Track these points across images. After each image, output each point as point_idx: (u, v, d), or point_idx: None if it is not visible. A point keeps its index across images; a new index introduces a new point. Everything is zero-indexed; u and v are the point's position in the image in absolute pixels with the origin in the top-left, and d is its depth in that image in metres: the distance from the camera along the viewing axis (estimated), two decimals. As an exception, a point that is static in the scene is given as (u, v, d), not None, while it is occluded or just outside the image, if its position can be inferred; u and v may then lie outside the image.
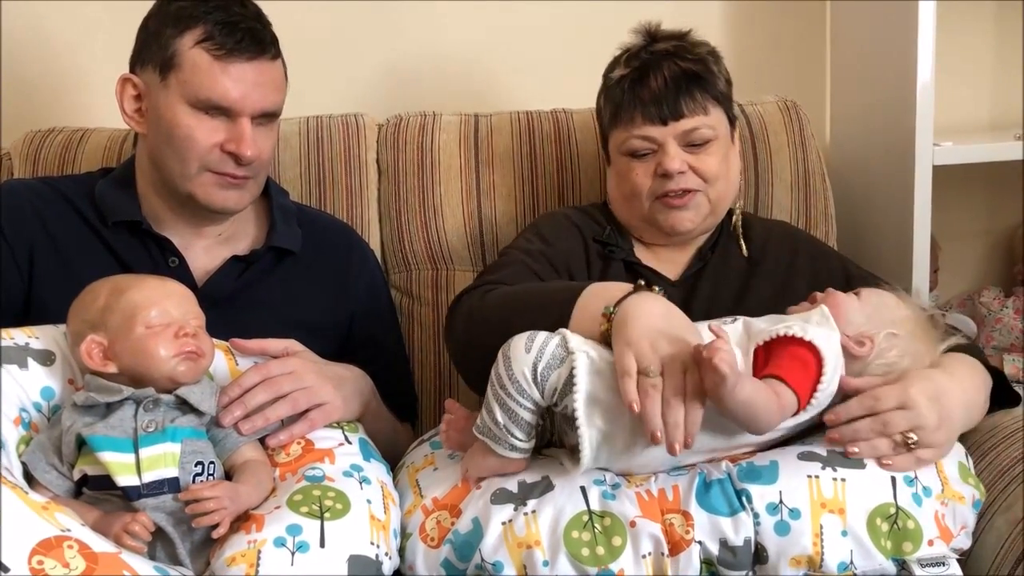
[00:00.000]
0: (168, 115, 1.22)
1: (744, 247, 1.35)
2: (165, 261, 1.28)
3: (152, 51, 1.23)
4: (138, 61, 1.27)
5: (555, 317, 1.06)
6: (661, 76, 1.27)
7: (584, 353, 0.99)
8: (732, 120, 1.35)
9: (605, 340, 1.02)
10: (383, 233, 1.60)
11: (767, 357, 1.03)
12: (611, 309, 1.01)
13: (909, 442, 1.03)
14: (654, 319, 0.99)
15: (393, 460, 1.18)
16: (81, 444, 0.98)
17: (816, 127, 1.71)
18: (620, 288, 1.06)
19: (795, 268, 1.32)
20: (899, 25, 1.63)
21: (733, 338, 1.04)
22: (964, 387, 1.11)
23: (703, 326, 1.02)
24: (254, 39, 1.23)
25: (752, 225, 1.39)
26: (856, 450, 1.03)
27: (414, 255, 1.59)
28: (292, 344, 1.19)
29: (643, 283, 1.05)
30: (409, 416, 1.46)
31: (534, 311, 1.08)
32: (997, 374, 1.20)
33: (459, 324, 1.16)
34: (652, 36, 1.33)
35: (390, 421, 1.34)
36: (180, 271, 1.27)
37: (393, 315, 1.52)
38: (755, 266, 1.33)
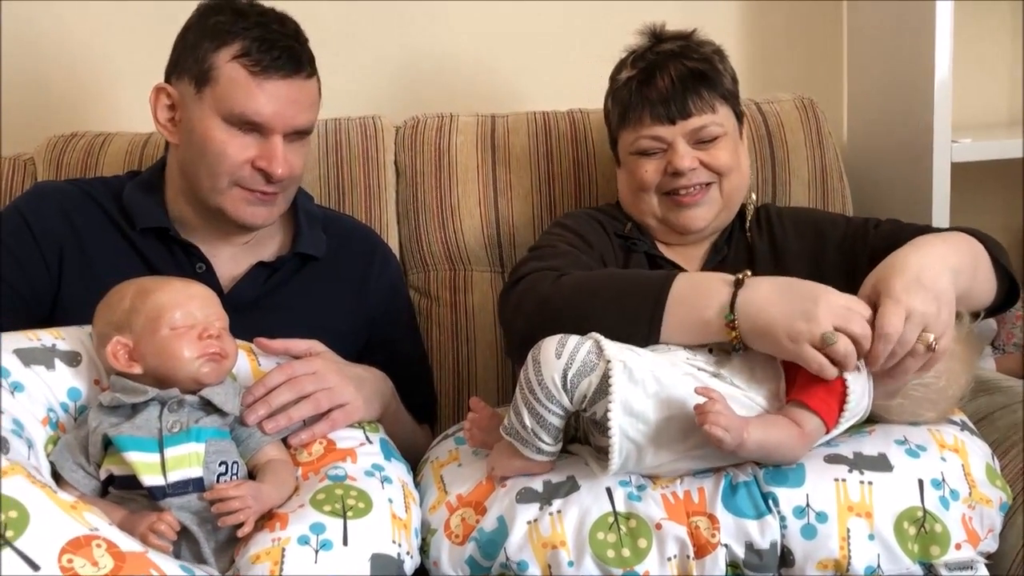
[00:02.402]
0: (201, 128, 1.23)
1: (763, 238, 1.35)
2: (192, 267, 1.29)
3: (189, 63, 1.24)
4: (174, 72, 1.27)
5: (645, 307, 1.05)
6: (668, 76, 1.27)
7: (620, 362, 0.98)
8: (739, 116, 1.35)
9: (730, 348, 1.04)
10: (401, 234, 1.61)
11: (796, 370, 1.02)
12: (730, 316, 1.02)
13: (931, 346, 1.01)
14: (778, 297, 1.01)
15: (412, 461, 1.18)
16: (107, 444, 0.99)
17: (833, 124, 1.71)
18: (713, 279, 1.06)
19: (825, 255, 1.30)
20: (916, 21, 1.63)
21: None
22: (936, 254, 1.07)
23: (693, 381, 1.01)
24: (291, 57, 1.24)
25: (772, 215, 1.38)
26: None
27: (432, 256, 1.60)
28: (315, 344, 1.20)
29: (742, 275, 1.04)
30: (428, 417, 1.46)
31: (620, 299, 1.07)
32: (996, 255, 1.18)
33: (528, 308, 1.12)
34: (657, 37, 1.34)
35: (409, 422, 1.35)
36: (207, 277, 1.28)
37: (412, 317, 1.53)
38: (781, 256, 1.33)
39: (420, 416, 1.40)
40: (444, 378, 1.55)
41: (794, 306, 0.99)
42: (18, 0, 1.76)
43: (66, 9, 1.77)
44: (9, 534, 0.80)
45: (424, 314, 1.58)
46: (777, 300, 1.01)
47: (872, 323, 1.00)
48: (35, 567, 0.79)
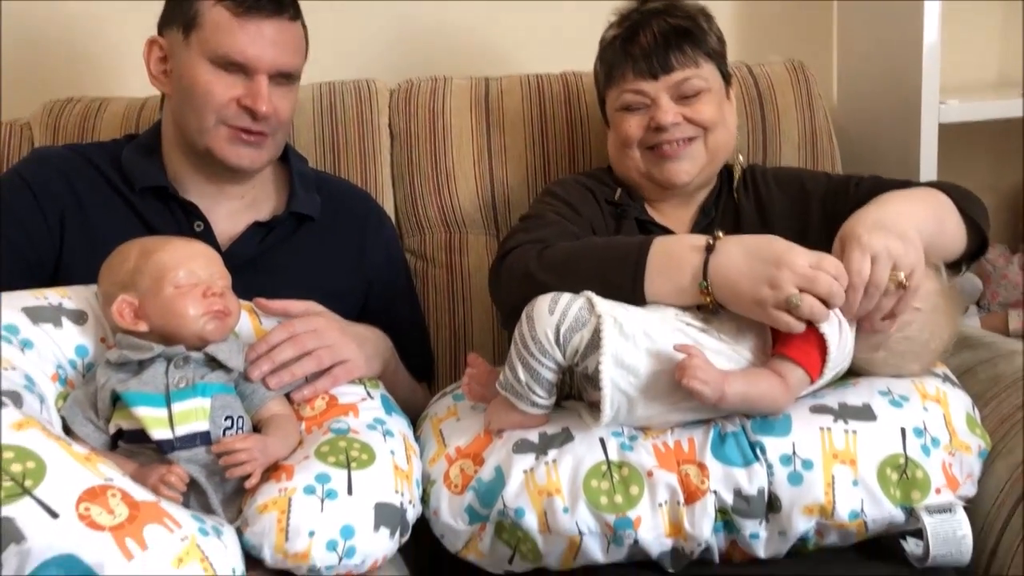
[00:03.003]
0: (189, 72, 1.26)
1: (749, 199, 1.37)
2: (190, 225, 1.31)
3: (177, 12, 1.27)
4: (164, 23, 1.31)
5: (626, 278, 1.08)
6: (651, 32, 1.29)
7: (611, 316, 1.01)
8: (726, 76, 1.36)
9: (709, 311, 1.07)
10: (396, 197, 1.63)
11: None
12: (704, 284, 1.04)
13: (902, 282, 1.04)
14: (745, 263, 1.03)
15: (411, 417, 1.21)
16: (115, 400, 1.02)
17: (823, 87, 1.72)
18: (684, 246, 1.08)
19: (809, 212, 1.33)
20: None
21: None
22: (897, 206, 1.12)
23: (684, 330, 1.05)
24: None
25: (758, 176, 1.40)
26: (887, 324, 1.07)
27: (427, 219, 1.62)
28: (312, 305, 1.23)
29: (712, 239, 1.06)
30: (426, 375, 1.49)
31: (601, 271, 1.10)
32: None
33: (514, 282, 1.16)
34: None
35: (408, 380, 1.38)
36: (205, 235, 1.30)
37: (409, 278, 1.55)
38: (767, 215, 1.35)
39: (418, 375, 1.43)
40: (441, 339, 1.57)
41: (757, 271, 1.02)
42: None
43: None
44: (28, 483, 0.83)
45: (420, 277, 1.61)
46: (743, 265, 1.03)
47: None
48: (54, 515, 0.82)
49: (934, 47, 1.60)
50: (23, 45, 1.79)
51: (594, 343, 1.01)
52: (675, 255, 1.08)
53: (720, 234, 1.07)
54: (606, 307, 1.03)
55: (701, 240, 1.07)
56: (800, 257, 1.02)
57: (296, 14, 1.30)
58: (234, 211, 1.35)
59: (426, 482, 1.09)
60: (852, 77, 1.88)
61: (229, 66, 1.25)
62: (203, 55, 1.25)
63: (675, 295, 1.07)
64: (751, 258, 1.03)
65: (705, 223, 1.36)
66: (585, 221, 1.30)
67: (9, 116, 1.65)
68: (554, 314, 1.03)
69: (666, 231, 1.33)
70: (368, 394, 1.16)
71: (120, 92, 1.67)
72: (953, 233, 1.19)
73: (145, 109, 1.60)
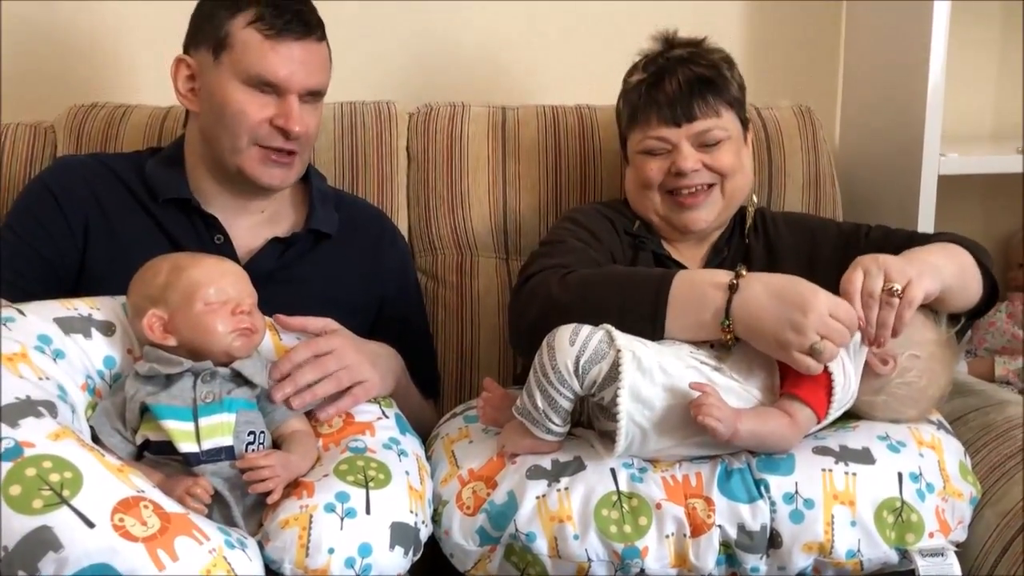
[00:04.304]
0: (220, 92, 1.29)
1: (759, 240, 1.42)
2: (211, 238, 1.34)
3: (206, 32, 1.30)
4: (192, 43, 1.33)
5: (647, 309, 1.12)
6: (676, 80, 1.34)
7: (630, 351, 1.05)
8: (744, 122, 1.41)
9: (724, 348, 1.11)
10: (411, 218, 1.66)
11: (787, 366, 1.10)
12: (726, 321, 1.09)
13: (894, 291, 1.09)
14: (770, 304, 1.07)
15: (420, 434, 1.24)
16: (144, 411, 1.04)
17: (826, 130, 1.77)
18: (708, 284, 1.11)
19: (818, 259, 1.37)
20: (911, 37, 1.68)
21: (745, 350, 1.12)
22: (922, 256, 1.17)
23: (699, 369, 1.09)
24: (301, 21, 1.31)
25: (768, 219, 1.45)
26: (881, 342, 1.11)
27: (440, 240, 1.66)
28: (330, 322, 1.26)
29: (736, 278, 1.10)
30: (432, 393, 1.52)
31: (623, 301, 1.13)
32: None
33: (535, 304, 1.19)
34: (669, 43, 1.40)
35: (418, 397, 1.41)
36: (224, 248, 1.33)
37: (419, 297, 1.59)
38: (776, 257, 1.40)
39: (425, 392, 1.46)
40: (448, 358, 1.61)
41: (782, 314, 1.06)
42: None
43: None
44: (66, 493, 0.86)
45: (431, 296, 1.64)
46: (768, 306, 1.07)
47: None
48: (91, 525, 0.85)
49: (937, 100, 1.65)
50: (49, 46, 1.81)
51: (612, 376, 1.05)
52: (698, 289, 1.12)
53: (744, 271, 1.11)
54: (625, 341, 1.07)
55: (725, 277, 1.11)
56: (823, 303, 1.06)
57: (323, 35, 1.35)
58: (254, 225, 1.39)
59: (438, 502, 1.12)
60: (855, 121, 1.94)
61: (261, 86, 1.29)
62: (235, 76, 1.29)
63: (694, 329, 1.11)
64: (776, 299, 1.07)
65: (717, 261, 1.40)
66: (605, 249, 1.34)
67: (32, 117, 1.66)
68: (575, 345, 1.06)
69: (680, 266, 1.38)
70: (383, 413, 1.20)
71: (143, 99, 1.70)
72: (974, 287, 1.24)
73: (168, 119, 1.62)
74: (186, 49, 1.34)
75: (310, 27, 1.32)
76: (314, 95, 1.34)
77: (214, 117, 1.31)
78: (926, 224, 1.70)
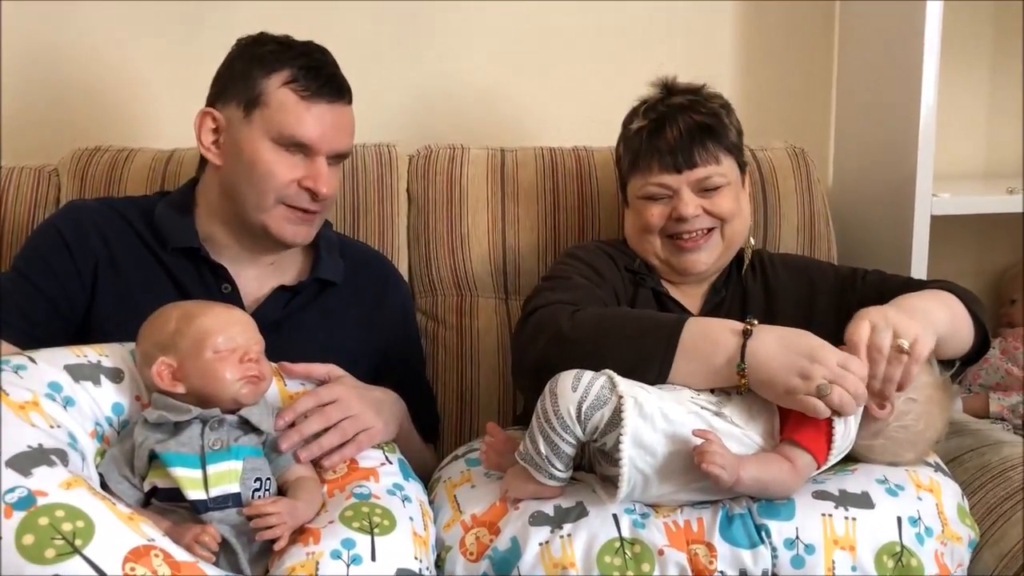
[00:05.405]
0: (250, 149, 1.30)
1: (757, 282, 1.44)
2: (218, 287, 1.35)
3: (238, 89, 1.32)
4: (220, 98, 1.34)
5: (657, 351, 1.14)
6: (676, 128, 1.37)
7: (632, 397, 1.07)
8: (743, 167, 1.45)
9: (733, 390, 1.13)
10: (411, 258, 1.68)
11: (787, 410, 1.12)
12: (742, 366, 1.11)
13: (903, 348, 1.11)
14: (780, 352, 1.10)
15: (421, 478, 1.25)
16: (152, 458, 1.06)
17: (820, 170, 1.80)
18: (721, 329, 1.14)
19: (815, 302, 1.40)
20: (903, 76, 1.71)
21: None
22: (913, 303, 1.20)
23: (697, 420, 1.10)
24: (335, 84, 1.33)
25: (765, 260, 1.48)
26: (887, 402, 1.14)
27: (440, 281, 1.68)
28: (334, 369, 1.27)
29: (749, 326, 1.13)
30: (432, 437, 1.54)
31: (634, 341, 1.15)
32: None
33: (542, 340, 1.20)
34: (669, 89, 1.43)
35: (418, 441, 1.42)
36: (232, 297, 1.34)
37: (419, 341, 1.60)
38: (773, 299, 1.42)
39: (424, 435, 1.47)
40: (448, 399, 1.62)
41: (792, 362, 1.09)
42: (48, 8, 1.80)
43: (93, 20, 1.82)
44: (78, 543, 0.87)
45: (431, 336, 1.66)
46: (778, 354, 1.10)
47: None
48: (103, 574, 0.86)
49: (929, 141, 1.68)
50: (52, 89, 1.83)
51: (614, 421, 1.07)
52: (711, 336, 1.14)
53: (755, 321, 1.14)
54: (626, 387, 1.09)
55: (738, 325, 1.14)
56: (832, 355, 1.09)
57: (351, 99, 1.37)
58: (260, 274, 1.40)
59: (440, 547, 1.13)
60: (848, 161, 1.97)
61: (291, 147, 1.31)
62: (266, 134, 1.30)
63: (704, 374, 1.13)
64: (786, 348, 1.10)
65: (715, 300, 1.43)
66: (608, 285, 1.36)
67: (36, 160, 1.68)
68: (577, 391, 1.08)
69: (679, 306, 1.40)
70: (387, 459, 1.21)
71: (146, 142, 1.72)
72: (964, 335, 1.26)
73: (171, 162, 1.64)
74: (212, 102, 1.35)
75: (342, 91, 1.35)
76: (340, 157, 1.37)
77: (241, 173, 1.32)
78: (919, 262, 1.72)
